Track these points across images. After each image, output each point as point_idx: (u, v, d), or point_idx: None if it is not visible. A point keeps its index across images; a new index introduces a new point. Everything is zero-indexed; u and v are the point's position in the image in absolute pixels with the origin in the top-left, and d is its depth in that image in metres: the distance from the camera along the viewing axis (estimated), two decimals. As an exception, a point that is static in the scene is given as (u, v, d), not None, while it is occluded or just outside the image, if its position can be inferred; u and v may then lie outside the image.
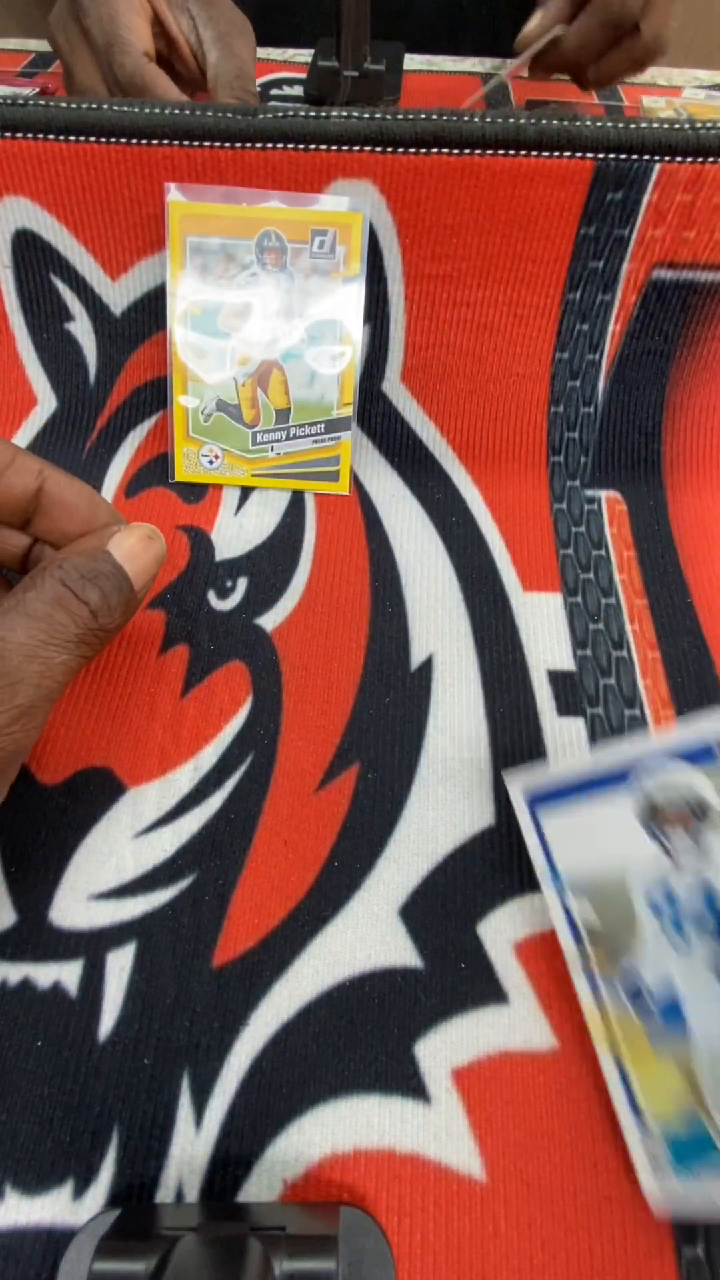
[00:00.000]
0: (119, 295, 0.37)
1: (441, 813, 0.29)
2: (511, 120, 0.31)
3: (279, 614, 0.34)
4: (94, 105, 0.33)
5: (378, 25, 0.45)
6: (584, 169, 0.32)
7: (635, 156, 0.32)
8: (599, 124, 0.31)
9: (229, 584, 0.35)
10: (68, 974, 0.25)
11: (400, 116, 0.32)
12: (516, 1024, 0.25)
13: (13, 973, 0.25)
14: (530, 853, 0.26)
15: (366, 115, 0.32)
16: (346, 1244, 0.21)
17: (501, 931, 0.27)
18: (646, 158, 0.32)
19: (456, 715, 0.32)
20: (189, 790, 0.29)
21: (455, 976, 0.26)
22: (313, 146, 0.32)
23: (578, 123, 0.31)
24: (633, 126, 0.31)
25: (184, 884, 0.27)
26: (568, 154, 0.32)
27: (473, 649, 0.33)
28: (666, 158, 0.32)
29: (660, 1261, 0.22)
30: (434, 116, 0.31)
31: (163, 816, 0.29)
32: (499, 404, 0.38)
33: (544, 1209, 0.22)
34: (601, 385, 0.38)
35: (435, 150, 0.32)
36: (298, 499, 0.39)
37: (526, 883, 0.27)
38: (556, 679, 0.33)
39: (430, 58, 0.59)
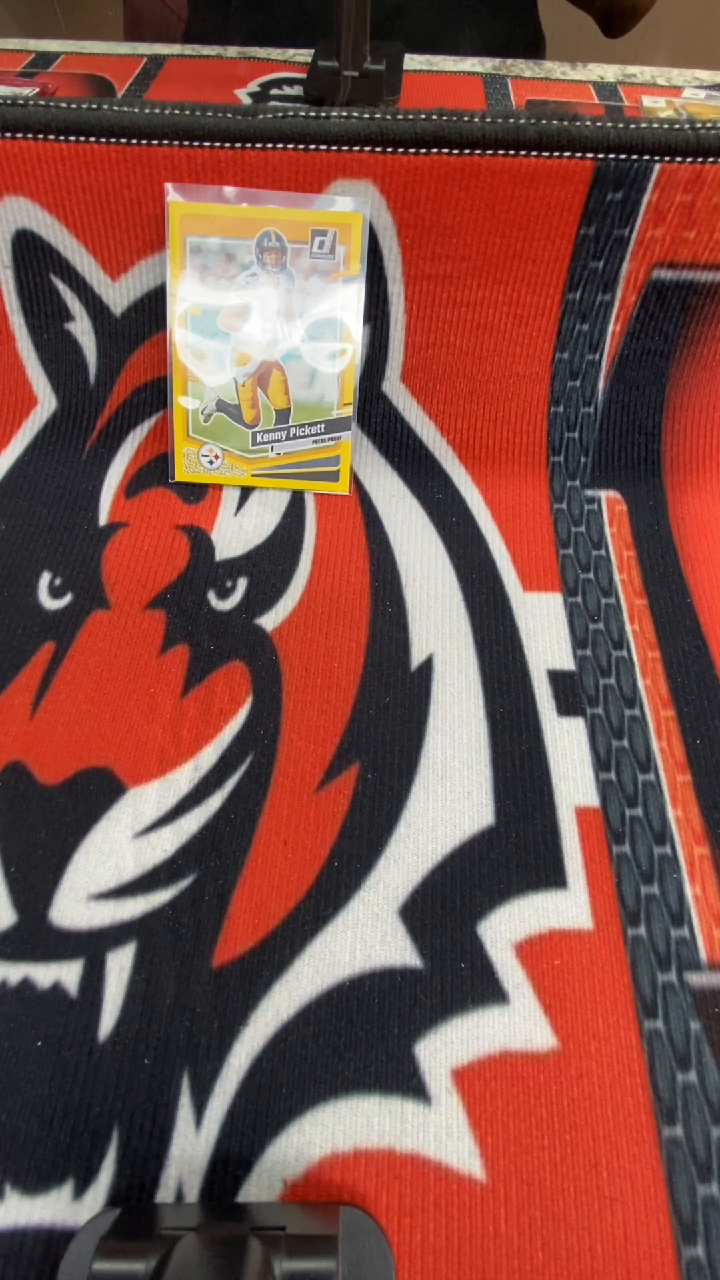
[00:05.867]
0: (119, 295, 0.37)
1: (441, 813, 0.29)
2: (511, 120, 0.31)
3: (279, 614, 0.34)
4: (94, 105, 0.33)
5: (374, 24, 0.45)
6: (584, 169, 0.32)
7: (635, 156, 0.32)
8: (599, 124, 0.31)
9: (229, 584, 0.35)
10: (68, 974, 0.25)
11: (400, 116, 0.32)
12: (516, 1024, 0.25)
13: (13, 973, 0.25)
14: None
15: (366, 115, 0.32)
16: (346, 1244, 0.21)
17: (501, 931, 0.27)
18: (646, 158, 0.32)
19: (456, 715, 0.32)
20: (189, 790, 0.29)
21: (455, 976, 0.26)
22: (313, 146, 0.32)
23: (578, 123, 0.31)
24: (633, 126, 0.31)
25: (184, 884, 0.27)
26: (568, 154, 0.32)
27: (473, 649, 0.33)
28: (666, 158, 0.32)
29: (660, 1261, 0.22)
30: (434, 116, 0.31)
31: (163, 816, 0.29)
32: (499, 404, 0.38)
33: (544, 1209, 0.22)
34: (601, 385, 0.38)
35: (435, 150, 0.32)
36: (298, 499, 0.39)
37: (526, 883, 0.27)
38: (556, 679, 0.33)
39: (430, 58, 0.59)
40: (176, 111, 0.32)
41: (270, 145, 0.32)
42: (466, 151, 0.32)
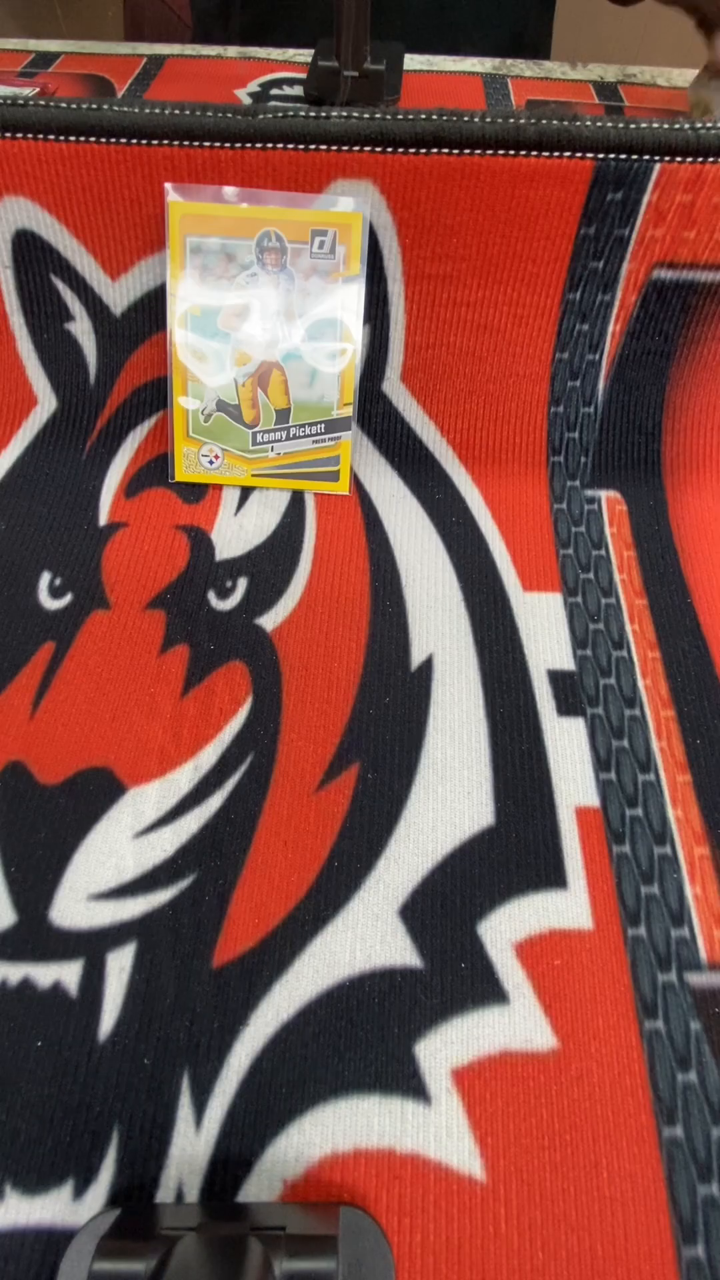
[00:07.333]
0: (119, 295, 0.37)
1: (441, 813, 0.29)
2: (511, 120, 0.31)
3: (279, 614, 0.34)
4: (94, 105, 0.33)
5: (373, 24, 0.45)
6: (584, 169, 0.32)
7: (635, 156, 0.32)
8: (599, 124, 0.31)
9: (229, 584, 0.35)
10: (68, 974, 0.25)
11: (400, 116, 0.32)
12: (516, 1024, 0.25)
13: (13, 973, 0.25)
14: None
15: (366, 115, 0.32)
16: (346, 1244, 0.21)
17: (501, 931, 0.27)
18: (646, 158, 0.32)
19: (456, 715, 0.31)
20: (189, 790, 0.29)
21: (455, 976, 0.26)
22: (313, 146, 0.32)
23: (578, 123, 0.31)
24: (633, 126, 0.31)
25: (184, 884, 0.27)
26: (568, 154, 0.32)
27: (473, 649, 0.33)
28: (666, 158, 0.32)
29: (660, 1261, 0.22)
30: (434, 116, 0.31)
31: (163, 816, 0.29)
32: (499, 404, 0.38)
33: (544, 1209, 0.22)
34: (601, 385, 0.38)
35: (435, 150, 0.32)
36: (298, 499, 0.39)
37: (527, 883, 0.27)
38: (556, 679, 0.33)
39: (430, 58, 0.59)
40: (176, 111, 0.32)
41: (270, 145, 0.32)
42: (466, 151, 0.32)
